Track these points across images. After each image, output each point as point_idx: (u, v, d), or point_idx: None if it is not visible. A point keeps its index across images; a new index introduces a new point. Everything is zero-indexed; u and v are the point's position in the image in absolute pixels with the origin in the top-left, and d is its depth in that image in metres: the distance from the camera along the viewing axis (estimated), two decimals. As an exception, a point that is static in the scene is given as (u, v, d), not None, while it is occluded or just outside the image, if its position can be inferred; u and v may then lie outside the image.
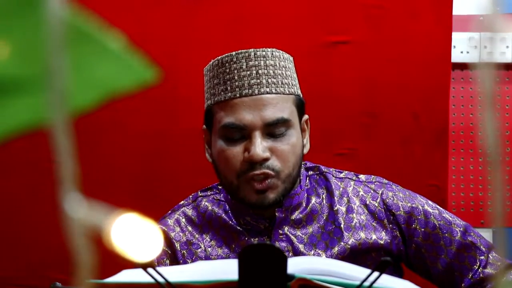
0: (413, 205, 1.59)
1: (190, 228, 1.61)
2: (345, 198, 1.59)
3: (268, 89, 1.51)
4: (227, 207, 1.60)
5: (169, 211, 1.66)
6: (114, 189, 2.26)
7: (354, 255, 1.55)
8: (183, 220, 1.62)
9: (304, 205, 1.58)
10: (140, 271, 0.98)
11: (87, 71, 0.49)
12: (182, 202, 1.66)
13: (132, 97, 2.13)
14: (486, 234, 2.33)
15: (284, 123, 1.51)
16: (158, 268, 0.98)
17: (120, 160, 2.27)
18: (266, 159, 1.50)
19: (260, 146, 1.49)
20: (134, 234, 0.49)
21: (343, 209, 1.58)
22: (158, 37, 2.24)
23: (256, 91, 1.51)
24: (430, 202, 1.62)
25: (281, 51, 1.56)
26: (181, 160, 2.27)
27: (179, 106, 2.26)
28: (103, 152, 2.27)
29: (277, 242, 1.56)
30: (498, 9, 0.44)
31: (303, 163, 1.61)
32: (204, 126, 1.59)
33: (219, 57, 1.55)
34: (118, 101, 2.10)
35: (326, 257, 1.55)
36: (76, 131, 0.43)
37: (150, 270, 0.96)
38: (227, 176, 1.54)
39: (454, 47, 2.40)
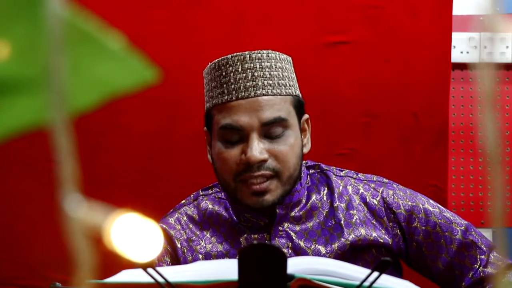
0: (414, 204, 1.59)
1: (191, 226, 1.62)
2: (345, 196, 1.60)
3: (264, 91, 1.51)
4: (228, 204, 1.61)
5: (171, 210, 1.67)
6: (114, 189, 2.26)
7: (354, 251, 1.55)
8: (184, 218, 1.63)
9: (303, 202, 1.59)
10: (140, 271, 0.98)
11: (87, 71, 0.49)
12: (183, 201, 1.68)
13: (132, 97, 2.13)
14: (486, 234, 2.33)
15: (281, 122, 1.51)
16: (158, 268, 0.98)
17: (120, 160, 2.27)
18: (264, 161, 1.50)
19: (257, 148, 1.49)
20: (134, 234, 0.49)
21: (343, 205, 1.59)
22: (158, 37, 2.24)
23: (252, 94, 1.51)
24: (431, 201, 1.62)
25: (277, 53, 1.56)
26: (181, 160, 2.27)
27: (179, 106, 2.26)
28: (103, 152, 2.27)
29: (277, 239, 1.56)
30: (498, 9, 0.44)
31: (304, 162, 1.62)
32: (205, 128, 1.60)
33: (216, 60, 1.55)
34: (118, 101, 2.10)
35: (326, 252, 1.55)
36: (76, 131, 0.43)
37: (150, 270, 0.96)
38: (224, 178, 1.54)
39: (454, 47, 2.40)
